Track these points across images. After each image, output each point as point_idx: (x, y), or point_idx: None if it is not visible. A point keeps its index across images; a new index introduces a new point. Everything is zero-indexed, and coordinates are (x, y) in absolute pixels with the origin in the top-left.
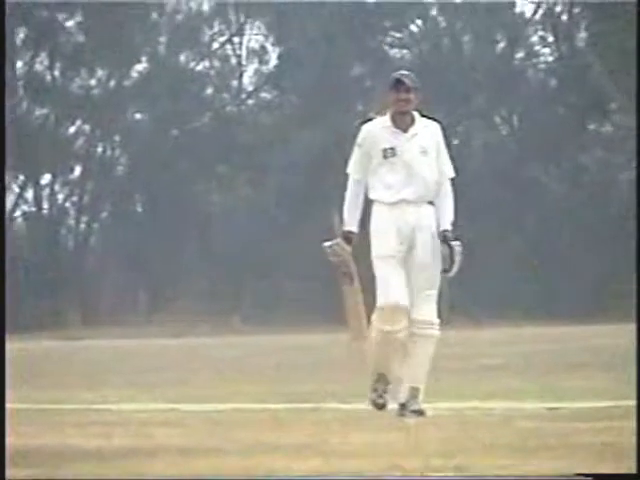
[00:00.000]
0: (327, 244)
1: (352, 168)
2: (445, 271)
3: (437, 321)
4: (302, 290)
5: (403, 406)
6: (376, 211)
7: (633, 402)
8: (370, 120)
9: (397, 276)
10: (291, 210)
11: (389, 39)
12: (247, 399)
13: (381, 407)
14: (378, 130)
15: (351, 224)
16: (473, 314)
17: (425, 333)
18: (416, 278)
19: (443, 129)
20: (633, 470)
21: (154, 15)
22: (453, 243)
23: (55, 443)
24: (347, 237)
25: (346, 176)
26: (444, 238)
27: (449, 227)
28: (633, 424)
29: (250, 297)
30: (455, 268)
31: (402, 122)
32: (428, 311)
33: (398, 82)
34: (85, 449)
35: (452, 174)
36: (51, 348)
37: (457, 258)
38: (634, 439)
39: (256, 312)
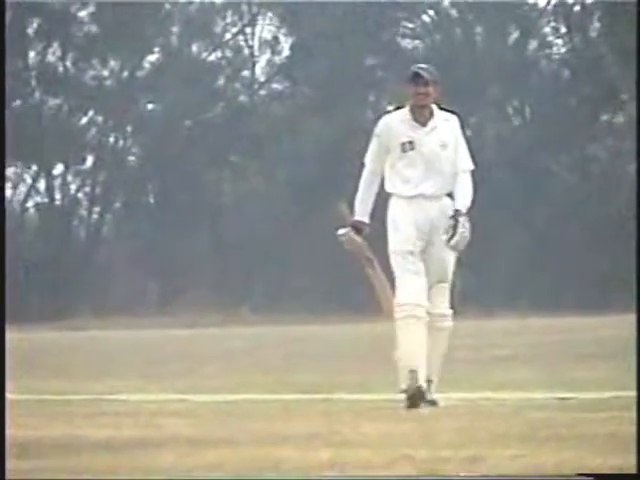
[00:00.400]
0: (340, 232)
1: (368, 158)
2: (447, 241)
3: (450, 312)
4: (312, 281)
5: None
6: (394, 204)
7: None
8: (387, 112)
9: (414, 273)
10: (302, 201)
11: (401, 30)
12: (257, 389)
13: (417, 404)
14: (396, 123)
15: (362, 214)
16: (484, 304)
17: (440, 326)
18: (433, 271)
19: (460, 120)
20: None
21: (167, 6)
22: (461, 218)
23: (64, 434)
24: (357, 227)
25: (358, 167)
26: (454, 214)
27: (462, 209)
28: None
29: (260, 287)
30: (456, 239)
31: (421, 115)
32: (442, 304)
33: (416, 76)
34: (94, 440)
35: (471, 166)
36: (62, 338)
37: (460, 230)
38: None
39: (266, 303)
